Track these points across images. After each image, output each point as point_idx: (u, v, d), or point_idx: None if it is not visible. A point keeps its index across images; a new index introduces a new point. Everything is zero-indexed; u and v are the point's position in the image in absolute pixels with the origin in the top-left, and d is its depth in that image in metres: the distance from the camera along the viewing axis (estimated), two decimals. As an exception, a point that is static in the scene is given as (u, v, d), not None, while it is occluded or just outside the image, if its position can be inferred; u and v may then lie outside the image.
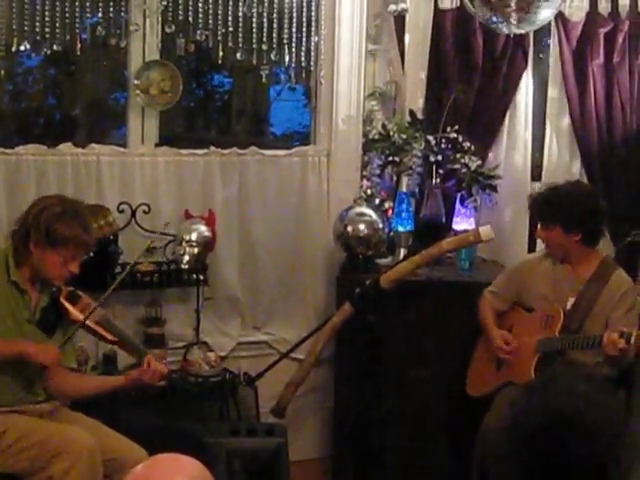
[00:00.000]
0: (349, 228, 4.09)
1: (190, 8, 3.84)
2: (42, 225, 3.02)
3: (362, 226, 4.08)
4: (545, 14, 3.77)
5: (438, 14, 4.22)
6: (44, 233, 3.01)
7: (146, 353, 3.23)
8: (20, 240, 3.08)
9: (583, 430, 1.55)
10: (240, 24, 3.92)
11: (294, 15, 4.00)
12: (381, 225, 4.12)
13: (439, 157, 4.17)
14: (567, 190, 3.52)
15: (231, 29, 3.90)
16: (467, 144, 4.17)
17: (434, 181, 4.21)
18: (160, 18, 3.86)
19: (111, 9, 3.74)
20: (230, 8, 3.89)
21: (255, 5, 3.93)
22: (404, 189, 4.28)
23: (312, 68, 4.15)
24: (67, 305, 3.11)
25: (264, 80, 4.09)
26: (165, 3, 3.82)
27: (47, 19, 3.63)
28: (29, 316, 3.11)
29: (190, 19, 3.85)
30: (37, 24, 3.61)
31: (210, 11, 3.86)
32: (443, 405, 3.92)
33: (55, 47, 3.67)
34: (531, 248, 4.33)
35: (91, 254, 3.31)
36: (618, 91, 4.32)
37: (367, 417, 3.99)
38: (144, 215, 3.97)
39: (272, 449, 3.56)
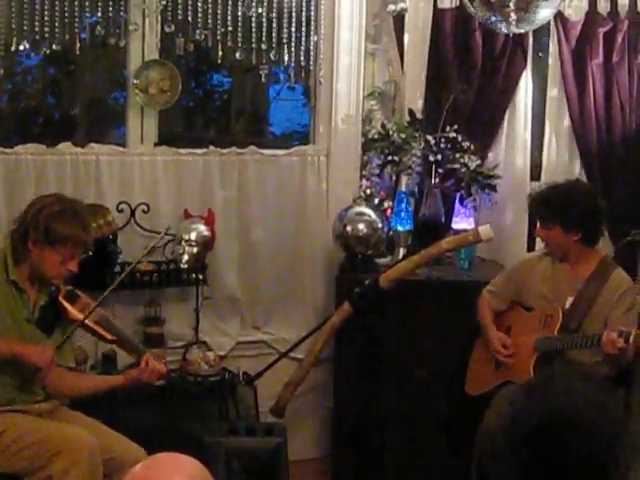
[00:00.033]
0: (348, 228, 4.09)
1: (189, 8, 3.84)
2: (41, 224, 3.01)
3: (361, 226, 4.08)
4: (544, 14, 3.78)
5: (437, 14, 4.22)
6: (43, 232, 3.01)
7: (145, 352, 3.23)
8: (19, 239, 3.08)
9: (582, 430, 1.55)
10: (239, 24, 3.92)
11: (293, 15, 4.00)
12: (380, 225, 4.12)
13: (438, 157, 4.16)
14: (566, 189, 3.52)
15: (230, 29, 3.90)
16: (466, 144, 4.17)
17: (433, 181, 4.21)
18: (159, 17, 3.86)
19: (110, 9, 3.74)
20: (229, 8, 3.89)
21: (254, 5, 3.93)
22: (403, 189, 4.28)
23: (311, 68, 4.15)
24: (66, 304, 3.11)
25: (263, 80, 4.08)
26: (164, 3, 3.82)
27: (46, 19, 3.63)
28: (28, 315, 3.11)
29: (189, 19, 3.85)
30: (36, 23, 3.61)
31: (209, 11, 3.86)
32: (442, 405, 3.92)
33: (54, 46, 3.67)
34: (530, 247, 4.33)
35: (90, 253, 3.30)
36: (617, 91, 4.32)
37: (366, 417, 3.99)
38: (143, 215, 3.97)
39: (271, 449, 3.55)
